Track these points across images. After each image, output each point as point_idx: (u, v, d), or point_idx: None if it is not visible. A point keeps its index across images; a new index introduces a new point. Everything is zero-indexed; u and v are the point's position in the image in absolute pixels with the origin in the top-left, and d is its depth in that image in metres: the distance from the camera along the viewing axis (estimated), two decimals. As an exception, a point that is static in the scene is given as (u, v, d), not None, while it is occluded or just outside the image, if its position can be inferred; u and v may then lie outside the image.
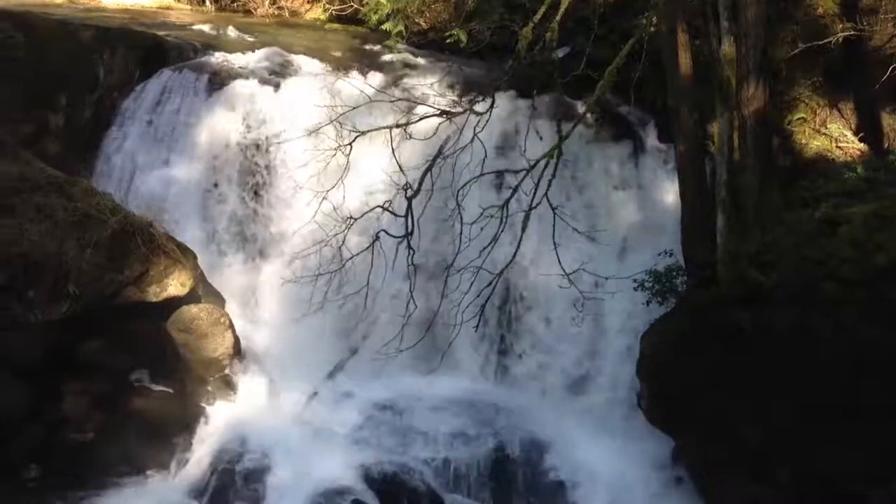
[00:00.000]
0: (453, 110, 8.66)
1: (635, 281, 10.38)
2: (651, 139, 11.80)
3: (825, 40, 10.85)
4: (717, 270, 9.66)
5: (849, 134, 11.29)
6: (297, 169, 10.94)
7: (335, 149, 8.48)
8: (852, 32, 10.87)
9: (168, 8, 17.50)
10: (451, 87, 12.43)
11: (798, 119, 11.38)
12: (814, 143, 11.22)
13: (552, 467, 10.37)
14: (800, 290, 8.70)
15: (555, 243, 7.90)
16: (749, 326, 8.97)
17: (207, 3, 17.73)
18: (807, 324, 8.57)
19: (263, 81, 12.65)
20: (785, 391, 8.72)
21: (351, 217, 8.34)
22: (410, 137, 8.61)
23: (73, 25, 13.52)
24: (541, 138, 9.06)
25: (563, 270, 7.85)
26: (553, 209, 7.80)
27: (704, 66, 10.30)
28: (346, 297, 9.05)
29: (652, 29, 10.16)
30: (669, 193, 11.23)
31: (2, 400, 9.74)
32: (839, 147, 11.17)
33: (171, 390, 10.66)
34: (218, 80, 12.64)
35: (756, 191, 9.66)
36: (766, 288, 8.94)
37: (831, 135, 11.26)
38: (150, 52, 13.20)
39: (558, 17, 8.39)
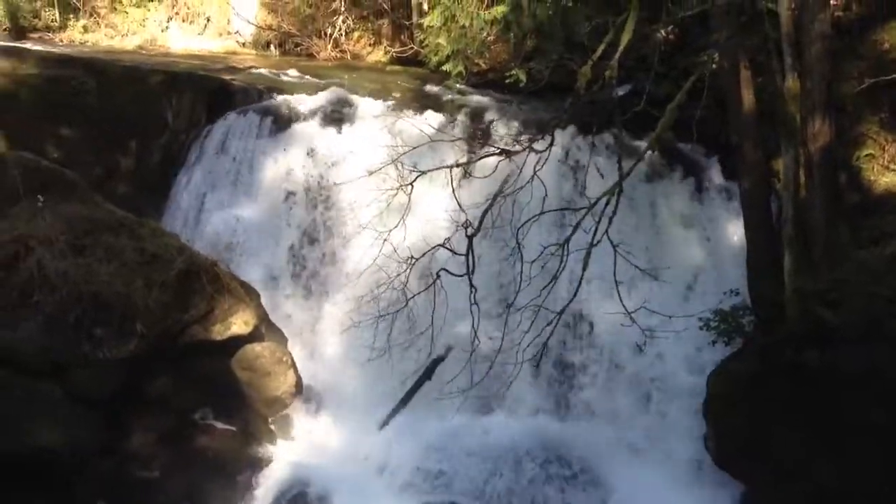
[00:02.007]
0: (512, 149, 8.66)
1: (700, 320, 10.20)
2: (715, 176, 11.65)
3: (892, 76, 10.66)
4: (785, 309, 9.47)
5: (919, 170, 11.04)
6: (359, 209, 11.05)
7: (396, 188, 8.54)
8: (920, 67, 10.68)
9: (234, 53, 17.93)
10: (511, 125, 12.49)
11: (866, 155, 11.16)
12: (883, 180, 10.97)
13: (615, 511, 10.19)
14: (869, 328, 8.49)
15: (616, 281, 7.80)
16: (819, 366, 8.75)
17: (272, 47, 18.13)
18: (878, 363, 8.34)
19: (326, 123, 12.85)
20: (861, 432, 8.47)
21: (412, 257, 8.36)
22: (470, 175, 8.63)
23: (142, 70, 13.92)
24: (602, 176, 9.00)
25: (625, 309, 7.75)
26: (614, 247, 7.72)
27: (768, 103, 10.18)
28: (409, 338, 9.04)
29: (714, 66, 10.10)
30: (735, 231, 11.06)
31: (72, 436, 9.92)
32: (909, 183, 10.91)
33: (234, 428, 10.76)
34: (282, 123, 12.88)
35: (823, 228, 9.48)
36: (835, 326, 8.73)
37: (901, 171, 11.01)
38: (216, 95, 13.50)
39: (618, 55, 8.37)
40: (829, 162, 9.55)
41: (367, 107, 13.21)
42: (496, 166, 8.48)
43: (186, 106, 13.30)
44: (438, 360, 11.05)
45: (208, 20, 18.69)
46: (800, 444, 8.92)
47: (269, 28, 18.04)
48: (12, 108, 12.88)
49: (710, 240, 11.40)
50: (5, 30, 18.50)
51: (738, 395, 9.54)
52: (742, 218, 10.49)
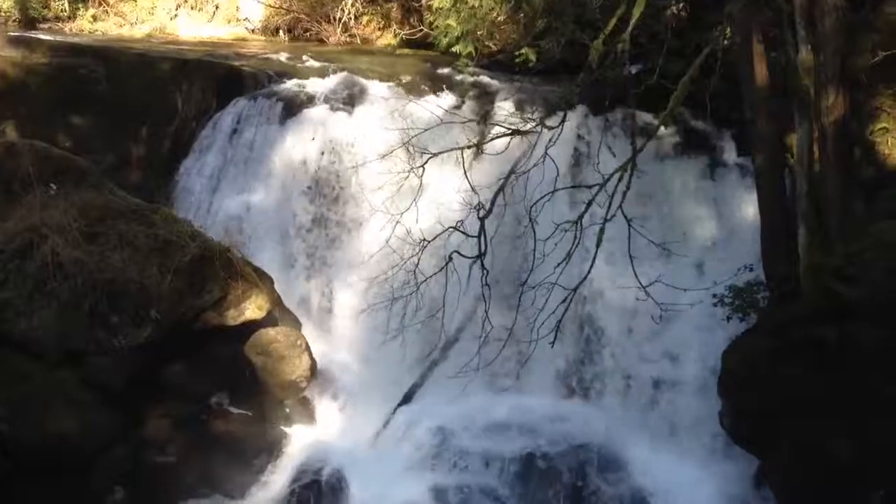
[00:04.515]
0: (524, 128, 8.59)
1: (714, 296, 10.16)
2: (728, 152, 11.58)
3: (907, 49, 10.54)
4: (800, 284, 9.42)
5: (934, 143, 10.93)
6: (371, 192, 11.03)
7: (408, 171, 8.50)
8: (935, 39, 10.54)
9: (243, 39, 17.93)
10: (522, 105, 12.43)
11: (880, 129, 11.03)
12: (897, 154, 10.88)
13: (630, 488, 10.16)
14: (887, 303, 8.42)
15: (630, 256, 7.76)
16: (836, 342, 8.69)
17: (281, 33, 18.12)
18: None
19: (336, 107, 12.82)
20: (879, 406, 8.40)
21: (424, 239, 8.33)
22: (483, 153, 8.59)
23: (152, 58, 13.92)
24: (614, 155, 8.92)
25: (640, 283, 7.71)
26: (628, 221, 7.67)
27: (781, 77, 10.08)
28: (422, 321, 9.03)
29: (726, 41, 10.00)
30: (748, 207, 11.00)
31: (89, 422, 9.97)
32: (924, 156, 10.81)
33: (249, 413, 10.79)
34: (292, 107, 12.85)
35: (838, 202, 9.41)
36: (851, 302, 8.66)
37: (915, 144, 10.91)
38: (226, 81, 13.49)
39: (629, 29, 8.28)
40: (843, 136, 9.47)
41: (378, 90, 13.17)
42: (507, 145, 8.43)
43: (196, 92, 13.31)
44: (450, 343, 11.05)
45: (217, 7, 18.70)
46: (816, 419, 8.86)
47: (280, 7, 17.99)
48: (23, 98, 12.95)
49: (723, 216, 11.35)
50: (15, 20, 18.55)
51: (752, 370, 9.47)
52: (756, 193, 10.43)
